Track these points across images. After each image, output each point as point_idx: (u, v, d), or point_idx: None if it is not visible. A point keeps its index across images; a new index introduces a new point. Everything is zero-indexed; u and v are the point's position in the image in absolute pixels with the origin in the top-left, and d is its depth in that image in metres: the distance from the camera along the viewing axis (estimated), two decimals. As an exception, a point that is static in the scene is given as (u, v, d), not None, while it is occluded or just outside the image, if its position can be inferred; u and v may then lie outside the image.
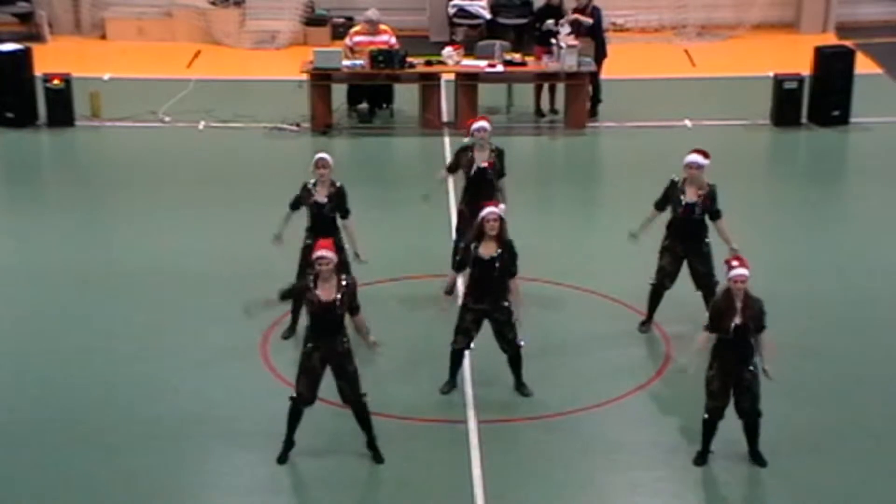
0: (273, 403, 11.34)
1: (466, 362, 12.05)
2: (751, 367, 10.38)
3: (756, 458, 10.67)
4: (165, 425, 11.26)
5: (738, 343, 10.32)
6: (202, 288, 13.88)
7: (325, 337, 10.39)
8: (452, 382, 11.81)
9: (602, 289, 13.80)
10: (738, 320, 10.24)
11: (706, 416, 10.60)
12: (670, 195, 12.52)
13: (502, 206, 11.63)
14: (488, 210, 11.32)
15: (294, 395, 10.61)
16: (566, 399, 11.68)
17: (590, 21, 19.20)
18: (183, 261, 14.62)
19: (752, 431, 10.61)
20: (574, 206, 17.15)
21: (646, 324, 12.93)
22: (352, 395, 10.52)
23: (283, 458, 10.70)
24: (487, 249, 11.33)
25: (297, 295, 10.78)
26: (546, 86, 19.83)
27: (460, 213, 13.57)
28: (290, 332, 12.68)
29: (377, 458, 10.70)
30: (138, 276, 14.24)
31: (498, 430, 11.25)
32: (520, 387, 11.79)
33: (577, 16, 19.11)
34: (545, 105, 19.85)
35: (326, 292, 10.30)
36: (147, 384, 11.94)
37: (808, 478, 10.58)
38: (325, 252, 10.31)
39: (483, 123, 13.24)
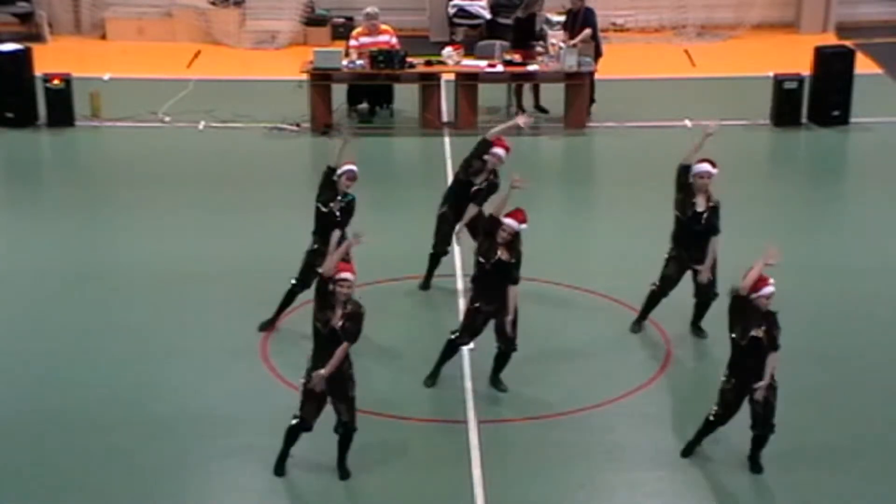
0: (273, 403, 11.35)
1: (466, 362, 12.05)
2: (770, 383, 10.30)
3: (754, 464, 10.60)
4: (165, 425, 11.25)
5: (752, 356, 10.23)
6: (202, 288, 13.87)
7: (329, 360, 10.12)
8: (436, 376, 11.86)
9: (602, 289, 13.79)
10: (757, 333, 10.18)
11: (711, 418, 10.55)
12: (683, 183, 12.28)
13: (524, 226, 11.43)
14: (508, 222, 11.34)
15: (299, 418, 10.32)
16: (566, 399, 11.68)
17: (590, 32, 19.30)
18: (183, 261, 14.60)
19: (760, 443, 10.52)
20: (574, 205, 17.15)
21: (639, 323, 12.91)
22: (348, 419, 10.35)
23: (280, 470, 10.52)
24: (497, 252, 11.39)
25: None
26: (513, 85, 19.78)
27: (442, 216, 13.65)
28: (269, 324, 12.72)
29: (344, 475, 10.51)
30: (138, 275, 14.23)
31: (498, 430, 11.24)
32: (496, 382, 11.80)
33: (579, 38, 19.15)
34: (513, 103, 19.75)
35: (337, 317, 10.06)
36: (147, 384, 11.93)
37: (808, 479, 10.57)
38: (348, 275, 10.03)
39: (503, 153, 13.13)
